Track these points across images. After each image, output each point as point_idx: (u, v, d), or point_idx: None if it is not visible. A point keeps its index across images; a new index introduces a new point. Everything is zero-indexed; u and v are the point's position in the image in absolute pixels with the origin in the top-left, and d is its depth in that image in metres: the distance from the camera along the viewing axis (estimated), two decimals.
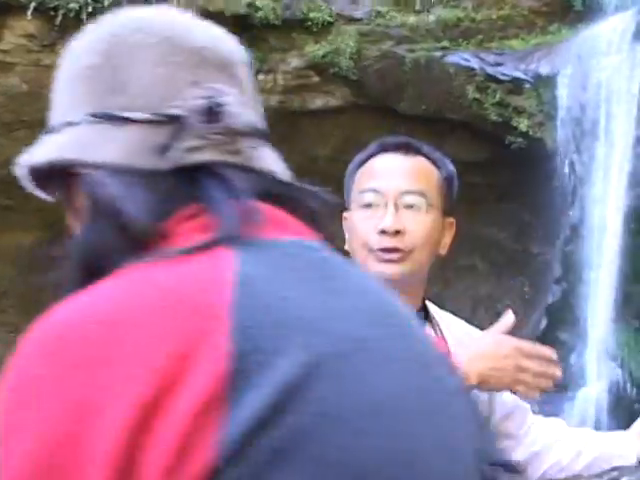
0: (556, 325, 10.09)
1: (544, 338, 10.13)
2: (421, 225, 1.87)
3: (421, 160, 1.96)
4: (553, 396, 10.04)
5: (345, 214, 1.97)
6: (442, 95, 10.91)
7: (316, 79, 11.41)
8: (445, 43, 11.10)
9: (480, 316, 13.24)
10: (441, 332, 1.97)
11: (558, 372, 1.89)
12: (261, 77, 11.46)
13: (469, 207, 12.84)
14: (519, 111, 10.61)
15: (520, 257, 12.27)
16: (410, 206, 1.86)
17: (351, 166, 1.97)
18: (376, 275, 1.80)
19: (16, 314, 12.38)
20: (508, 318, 1.91)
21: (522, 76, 10.62)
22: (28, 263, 12.54)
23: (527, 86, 10.57)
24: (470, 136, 11.31)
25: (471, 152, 11.68)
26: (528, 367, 1.83)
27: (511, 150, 10.63)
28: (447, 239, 1.96)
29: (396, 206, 1.85)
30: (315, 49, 11.13)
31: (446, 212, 1.95)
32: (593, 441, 2.13)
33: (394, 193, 1.85)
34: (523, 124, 10.52)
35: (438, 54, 10.94)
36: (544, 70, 10.54)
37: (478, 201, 12.35)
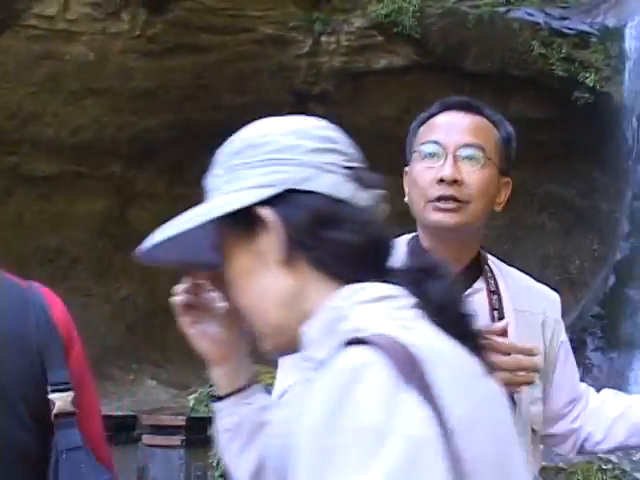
0: (624, 282, 9.97)
1: (612, 295, 10.04)
2: (478, 177, 1.92)
3: (481, 119, 2.00)
4: (622, 354, 9.96)
5: (406, 168, 2.06)
6: (507, 52, 10.78)
7: (380, 39, 11.35)
8: None
9: (549, 275, 13.15)
10: (495, 284, 1.98)
11: (538, 362, 1.87)
12: (324, 39, 11.44)
13: (537, 165, 12.70)
14: (585, 66, 10.44)
15: (589, 214, 12.14)
16: (469, 158, 1.92)
17: (414, 123, 2.04)
18: (433, 224, 1.93)
19: (88, 279, 12.63)
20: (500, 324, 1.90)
21: (588, 29, 10.43)
22: (99, 229, 12.77)
23: (593, 39, 10.38)
24: (536, 93, 11.17)
25: (538, 109, 11.54)
26: (501, 364, 1.83)
27: (578, 106, 10.48)
28: (502, 197, 2.04)
29: (455, 158, 1.91)
30: (378, 8, 11.07)
31: (503, 171, 2.01)
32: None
33: (454, 145, 1.91)
34: (590, 79, 10.35)
35: (502, 9, 10.80)
36: (611, 22, 10.34)
37: (546, 158, 12.22)
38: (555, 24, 10.56)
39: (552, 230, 12.83)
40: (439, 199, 1.91)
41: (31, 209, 12.19)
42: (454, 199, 1.90)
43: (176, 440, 6.26)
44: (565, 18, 10.62)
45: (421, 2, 10.93)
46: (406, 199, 2.01)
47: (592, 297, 10.43)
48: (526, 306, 1.97)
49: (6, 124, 11.28)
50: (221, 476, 6.78)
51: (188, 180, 13.06)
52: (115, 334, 12.23)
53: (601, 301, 9.91)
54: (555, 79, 10.63)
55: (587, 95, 10.39)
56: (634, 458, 6.02)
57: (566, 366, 2.07)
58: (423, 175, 1.95)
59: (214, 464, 6.77)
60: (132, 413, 7.62)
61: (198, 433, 6.33)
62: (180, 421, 6.51)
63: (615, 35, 10.28)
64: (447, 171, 1.90)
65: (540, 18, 10.63)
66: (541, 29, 10.58)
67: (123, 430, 6.79)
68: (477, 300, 1.90)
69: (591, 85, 10.34)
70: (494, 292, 1.95)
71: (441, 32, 10.98)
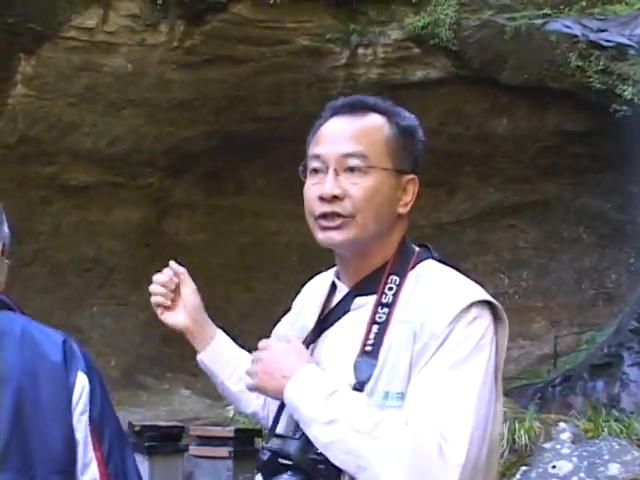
0: None
1: None
2: (362, 188, 1.82)
3: (368, 118, 1.88)
4: None
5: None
6: (544, 64, 10.74)
7: (416, 51, 11.37)
8: (546, 10, 10.91)
9: (585, 288, 13.06)
10: (394, 296, 1.83)
11: None
12: (361, 51, 11.46)
13: (573, 178, 12.65)
14: (624, 78, 10.38)
15: (626, 228, 12.06)
16: (350, 169, 1.82)
17: (309, 135, 1.92)
18: (321, 243, 1.84)
19: (124, 288, 12.72)
20: None
21: (626, 42, 10.37)
22: (136, 238, 12.86)
23: (632, 52, 10.32)
24: (573, 105, 11.12)
25: (575, 122, 11.49)
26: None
27: (616, 119, 10.42)
28: (410, 197, 1.87)
29: (336, 171, 1.82)
30: (415, 20, 11.08)
31: (403, 170, 1.86)
32: None
33: (335, 157, 1.83)
34: (628, 91, 10.29)
35: (539, 22, 10.77)
36: None
37: (582, 172, 12.16)
38: (593, 36, 10.51)
39: (588, 243, 12.76)
40: (323, 216, 1.83)
41: (69, 219, 12.31)
42: (338, 215, 1.81)
43: (224, 451, 6.27)
44: (603, 30, 10.56)
45: (458, 14, 10.93)
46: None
47: (629, 311, 10.34)
48: (410, 317, 1.77)
49: (45, 135, 11.40)
50: None
51: (225, 190, 13.13)
52: (150, 343, 12.30)
53: (639, 316, 9.82)
54: (592, 92, 10.57)
55: (625, 108, 10.32)
56: None
57: (423, 385, 1.71)
58: (309, 192, 1.86)
59: None
60: (179, 424, 7.64)
61: (246, 445, 6.34)
62: (228, 432, 6.51)
63: None
64: (325, 188, 1.82)
65: (577, 30, 10.59)
66: (578, 41, 10.54)
67: (169, 440, 6.79)
68: (362, 313, 1.82)
69: (629, 98, 10.27)
70: (385, 305, 1.81)
71: (478, 44, 10.97)
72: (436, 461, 1.63)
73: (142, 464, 6.34)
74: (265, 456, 1.74)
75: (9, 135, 11.27)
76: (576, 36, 10.55)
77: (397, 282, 1.84)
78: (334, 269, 1.96)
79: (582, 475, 5.53)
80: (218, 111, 11.72)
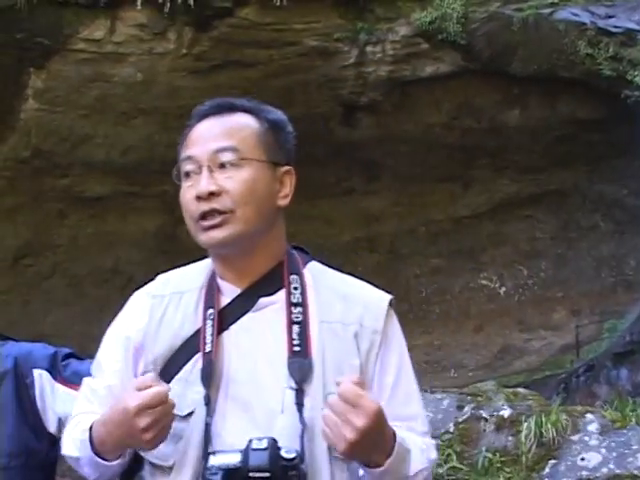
0: None
1: None
2: (238, 182, 1.81)
3: (235, 116, 1.88)
4: None
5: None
6: (553, 53, 10.71)
7: (425, 46, 11.35)
8: None
9: (604, 276, 13.01)
10: (302, 295, 1.84)
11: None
12: (369, 49, 11.46)
13: (588, 166, 12.61)
14: (634, 63, 10.33)
15: None
16: (223, 165, 1.82)
17: (179, 143, 1.94)
18: (205, 245, 1.85)
19: None
20: None
21: (635, 27, 10.34)
22: (153, 247, 12.89)
23: None
24: (585, 93, 11.08)
25: (587, 110, 11.45)
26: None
27: (628, 105, 10.38)
28: (286, 189, 1.89)
29: (210, 169, 1.82)
30: (422, 16, 11.07)
31: (277, 162, 1.88)
32: None
33: (206, 156, 1.83)
34: (638, 77, 10.25)
35: (547, 11, 10.74)
36: None
37: (597, 159, 12.12)
38: (601, 23, 10.48)
39: (606, 231, 12.70)
40: (203, 217, 1.83)
41: (85, 230, 12.34)
42: (217, 212, 1.80)
43: None
44: (611, 16, 10.53)
45: (465, 8, 10.91)
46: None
47: None
48: (337, 317, 1.81)
49: (58, 147, 11.44)
50: None
51: None
52: None
53: None
54: (603, 79, 10.53)
55: (636, 93, 10.28)
56: None
57: (384, 382, 1.82)
58: (186, 196, 1.86)
59: None
60: None
61: None
62: None
63: None
64: (201, 185, 1.81)
65: (586, 18, 10.55)
66: (587, 29, 10.50)
67: None
68: (268, 314, 1.81)
69: None
70: (297, 304, 1.82)
71: (486, 37, 10.94)
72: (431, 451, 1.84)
73: None
74: (217, 476, 1.65)
75: (23, 149, 11.32)
76: (584, 24, 10.52)
77: (298, 281, 1.85)
78: (187, 270, 1.96)
79: (611, 466, 5.48)
80: None
